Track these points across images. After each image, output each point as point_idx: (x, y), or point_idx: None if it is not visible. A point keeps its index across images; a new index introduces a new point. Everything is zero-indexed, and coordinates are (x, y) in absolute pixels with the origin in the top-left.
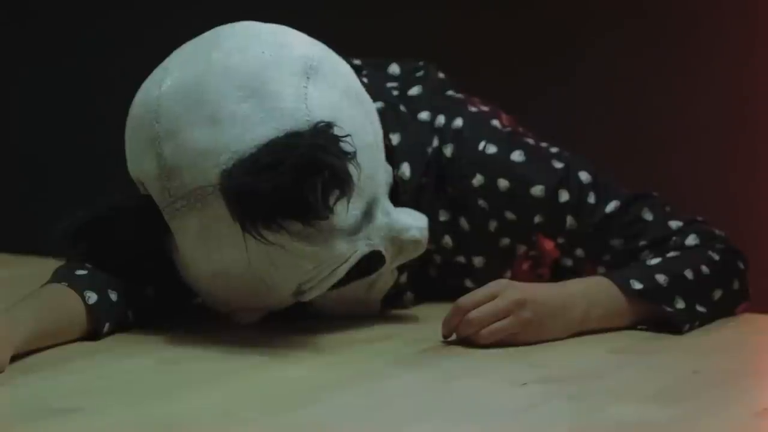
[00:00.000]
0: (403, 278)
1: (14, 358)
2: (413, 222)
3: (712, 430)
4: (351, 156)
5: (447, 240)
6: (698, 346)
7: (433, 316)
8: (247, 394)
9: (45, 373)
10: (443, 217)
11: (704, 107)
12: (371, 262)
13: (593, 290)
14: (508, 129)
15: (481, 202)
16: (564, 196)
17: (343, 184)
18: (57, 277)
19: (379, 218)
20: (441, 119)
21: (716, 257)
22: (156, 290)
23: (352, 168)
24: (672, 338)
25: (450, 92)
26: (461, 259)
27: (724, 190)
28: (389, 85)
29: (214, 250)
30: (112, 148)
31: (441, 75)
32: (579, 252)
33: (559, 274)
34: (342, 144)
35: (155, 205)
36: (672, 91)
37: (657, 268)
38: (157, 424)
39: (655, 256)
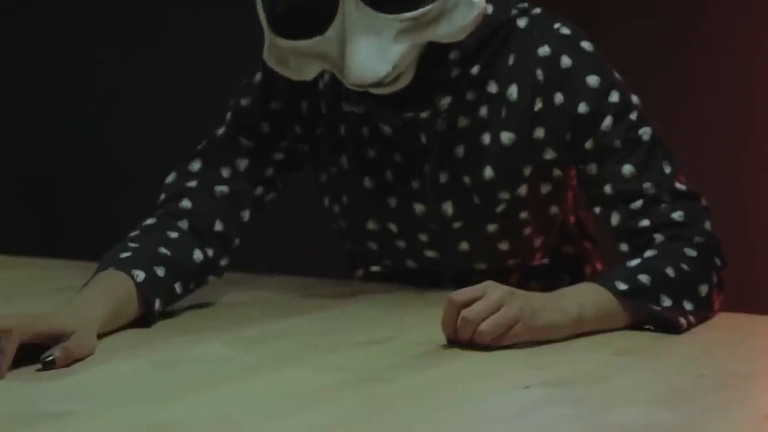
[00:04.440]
0: (445, 102)
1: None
2: None
3: None
4: None
5: (483, 111)
6: (704, 348)
7: (434, 319)
8: (245, 398)
9: (39, 376)
10: (492, 89)
11: (709, 107)
12: None
13: (582, 290)
14: None
15: (538, 73)
16: (614, 96)
17: None
18: (103, 263)
19: None
20: (525, 3)
21: (693, 253)
22: (250, 215)
23: None
24: (677, 341)
25: None
26: (486, 138)
27: (730, 189)
28: None
29: None
30: (112, 149)
31: None
32: (592, 168)
33: (558, 263)
34: None
35: None
36: (675, 91)
37: (638, 269)
38: (153, 428)
39: (640, 220)
